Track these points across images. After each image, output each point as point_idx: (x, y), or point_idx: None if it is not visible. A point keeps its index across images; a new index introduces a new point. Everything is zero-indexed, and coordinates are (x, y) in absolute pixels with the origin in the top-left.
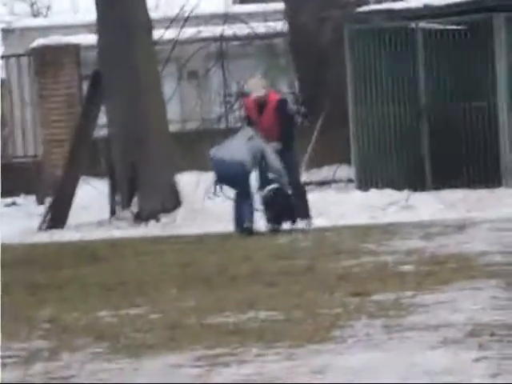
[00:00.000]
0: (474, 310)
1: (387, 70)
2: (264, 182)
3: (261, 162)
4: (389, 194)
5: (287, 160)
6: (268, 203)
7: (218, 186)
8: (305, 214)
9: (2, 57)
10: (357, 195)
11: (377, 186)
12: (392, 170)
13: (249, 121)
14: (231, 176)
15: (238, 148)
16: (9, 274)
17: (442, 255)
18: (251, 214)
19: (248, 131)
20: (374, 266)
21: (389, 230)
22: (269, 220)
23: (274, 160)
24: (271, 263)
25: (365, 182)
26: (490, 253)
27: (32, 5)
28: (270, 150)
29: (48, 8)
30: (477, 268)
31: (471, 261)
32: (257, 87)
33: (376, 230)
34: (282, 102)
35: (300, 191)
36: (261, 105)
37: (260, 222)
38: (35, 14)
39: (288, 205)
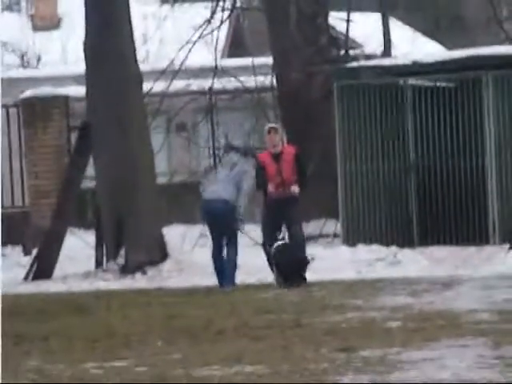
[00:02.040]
0: (461, 367)
1: (376, 126)
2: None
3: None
4: (376, 250)
5: (295, 211)
6: (275, 261)
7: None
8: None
9: None
10: (343, 250)
11: (364, 242)
12: (379, 226)
13: (263, 173)
14: (217, 215)
15: (222, 184)
16: None
17: (429, 312)
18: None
19: (231, 158)
20: (360, 322)
21: (376, 286)
22: (278, 277)
23: (249, 184)
24: (258, 317)
25: (352, 237)
26: (478, 311)
27: (22, 56)
28: (248, 172)
29: (38, 59)
30: (464, 326)
31: (459, 318)
32: (272, 125)
33: (363, 286)
34: (299, 153)
35: (301, 243)
36: (277, 156)
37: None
38: (25, 65)
39: (296, 261)
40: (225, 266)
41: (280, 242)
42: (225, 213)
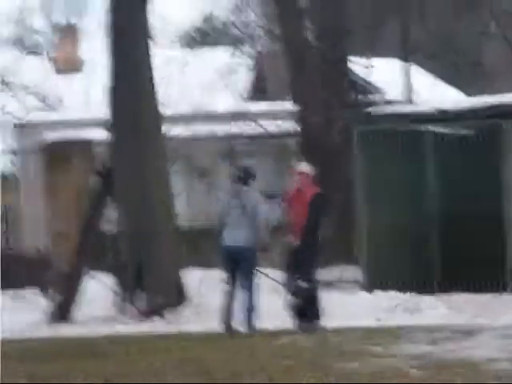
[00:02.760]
0: None
1: (397, 172)
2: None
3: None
4: (395, 297)
5: (307, 255)
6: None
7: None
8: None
9: (14, 151)
10: (363, 297)
11: (383, 288)
12: (399, 273)
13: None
14: (233, 260)
15: (236, 227)
16: (11, 367)
17: (448, 360)
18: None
19: (237, 187)
20: (378, 369)
21: (395, 333)
22: (296, 317)
23: (263, 217)
24: (275, 362)
25: (371, 283)
26: (498, 360)
27: (44, 99)
28: (260, 205)
29: (60, 103)
30: (484, 374)
31: (478, 366)
32: (302, 169)
33: (382, 333)
34: (319, 197)
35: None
36: (300, 194)
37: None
38: (47, 109)
39: (311, 303)
40: (232, 310)
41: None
42: (240, 257)
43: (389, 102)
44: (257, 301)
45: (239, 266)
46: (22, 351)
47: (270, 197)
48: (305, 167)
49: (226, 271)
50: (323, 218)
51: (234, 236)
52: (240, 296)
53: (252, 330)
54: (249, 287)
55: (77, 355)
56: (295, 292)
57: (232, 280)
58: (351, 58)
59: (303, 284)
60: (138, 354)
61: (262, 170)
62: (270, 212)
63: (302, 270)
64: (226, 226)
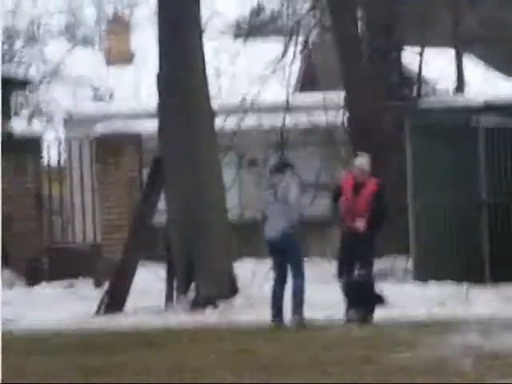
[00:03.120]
0: None
1: (448, 164)
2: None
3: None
4: (447, 287)
5: (366, 248)
6: (352, 291)
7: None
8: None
9: (64, 142)
10: (414, 287)
11: (435, 278)
12: (451, 263)
13: (336, 196)
14: (276, 251)
15: (274, 219)
16: (64, 358)
17: (500, 351)
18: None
19: (272, 178)
20: (430, 360)
21: (446, 324)
22: (350, 309)
23: (292, 196)
24: (327, 353)
25: (423, 273)
26: None
27: (95, 91)
28: (291, 187)
29: (111, 94)
30: None
31: None
32: (363, 165)
33: (433, 324)
34: (381, 188)
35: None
36: (359, 186)
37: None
38: (98, 100)
39: (368, 293)
40: (282, 301)
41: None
42: (282, 247)
43: (440, 93)
44: (304, 290)
45: (285, 257)
46: (77, 343)
47: (318, 187)
48: (363, 160)
49: (273, 263)
50: (387, 209)
51: (272, 227)
52: (290, 286)
53: (302, 320)
54: (297, 276)
55: (130, 346)
56: (352, 281)
57: (280, 271)
58: (403, 48)
59: (363, 272)
60: (190, 345)
61: (312, 161)
62: (302, 198)
63: (364, 260)
64: (266, 218)
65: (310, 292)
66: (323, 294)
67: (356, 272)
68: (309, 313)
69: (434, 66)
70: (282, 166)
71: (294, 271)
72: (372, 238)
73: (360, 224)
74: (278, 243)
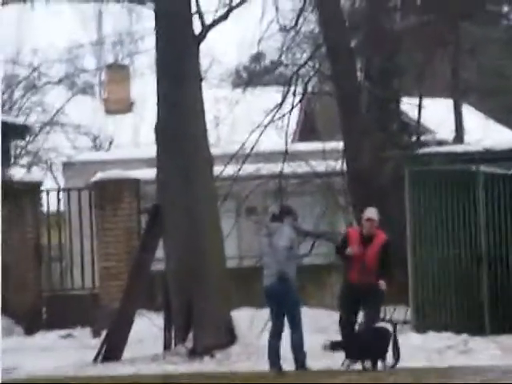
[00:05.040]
0: None
1: (447, 213)
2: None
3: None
4: (447, 337)
5: (377, 298)
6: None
7: None
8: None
9: (63, 190)
10: (413, 337)
11: (435, 329)
12: (450, 313)
13: (340, 248)
14: (273, 299)
15: (269, 267)
16: None
17: None
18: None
19: (270, 226)
20: None
21: (446, 374)
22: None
23: (278, 245)
24: None
25: (422, 324)
26: None
27: (94, 138)
28: (280, 235)
29: (110, 142)
30: None
31: None
32: (374, 218)
33: (433, 373)
34: (388, 243)
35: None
36: (367, 239)
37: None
38: (97, 148)
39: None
40: (278, 351)
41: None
42: (278, 296)
43: (440, 142)
44: (303, 343)
45: (281, 307)
46: None
47: (318, 236)
48: (373, 212)
49: (270, 312)
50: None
51: (268, 275)
52: (288, 335)
53: (303, 369)
54: (295, 330)
55: None
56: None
57: (276, 321)
58: (402, 97)
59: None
60: None
61: (310, 210)
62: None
63: (376, 311)
64: (264, 265)
65: (310, 341)
66: (315, 342)
67: (368, 322)
68: (308, 361)
69: (434, 116)
70: (281, 214)
71: (291, 325)
72: (382, 290)
73: (382, 284)
74: (273, 292)
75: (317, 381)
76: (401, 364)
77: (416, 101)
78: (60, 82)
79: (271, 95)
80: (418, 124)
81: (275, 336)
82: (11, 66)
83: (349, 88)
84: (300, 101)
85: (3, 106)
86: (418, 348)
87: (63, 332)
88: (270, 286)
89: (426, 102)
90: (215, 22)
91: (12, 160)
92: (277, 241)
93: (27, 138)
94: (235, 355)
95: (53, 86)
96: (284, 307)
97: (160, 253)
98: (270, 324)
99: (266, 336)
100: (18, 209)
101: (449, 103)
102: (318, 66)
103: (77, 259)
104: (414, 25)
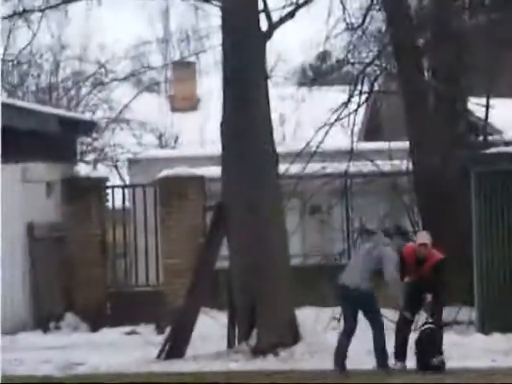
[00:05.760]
0: None
1: None
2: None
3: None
4: (511, 338)
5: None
6: (421, 343)
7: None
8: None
9: (128, 186)
10: (478, 338)
11: (500, 330)
12: None
13: (402, 267)
14: (348, 301)
15: (355, 269)
16: None
17: None
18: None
19: (367, 244)
20: None
21: (511, 375)
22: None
23: (391, 271)
24: None
25: (487, 325)
26: None
27: (160, 136)
28: (390, 258)
29: (175, 139)
30: None
31: None
32: (427, 243)
33: (497, 375)
34: (440, 263)
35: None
36: (420, 259)
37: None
38: (163, 145)
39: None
40: (347, 351)
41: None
42: (356, 299)
43: (507, 143)
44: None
45: (361, 308)
46: None
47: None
48: (426, 237)
49: (344, 313)
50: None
51: (352, 277)
52: (370, 336)
53: (384, 369)
54: (376, 327)
55: None
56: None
57: (349, 322)
58: (469, 97)
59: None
60: None
61: (375, 209)
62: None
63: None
64: (348, 265)
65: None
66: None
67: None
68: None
69: (502, 116)
70: (395, 231)
71: (372, 323)
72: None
73: (428, 297)
74: (349, 294)
75: (380, 381)
76: (465, 364)
77: (484, 100)
78: (126, 78)
79: (337, 94)
80: (486, 124)
81: (346, 335)
82: (78, 62)
83: (415, 87)
84: (366, 100)
85: (70, 102)
86: (483, 349)
87: (127, 328)
88: (351, 286)
89: (494, 101)
90: (282, 20)
91: (78, 157)
92: (378, 256)
93: (93, 135)
94: (299, 354)
95: (119, 83)
96: (362, 307)
97: (224, 251)
98: (333, 323)
99: (329, 335)
100: (84, 205)
101: None
102: (385, 65)
103: (141, 256)
104: (482, 23)
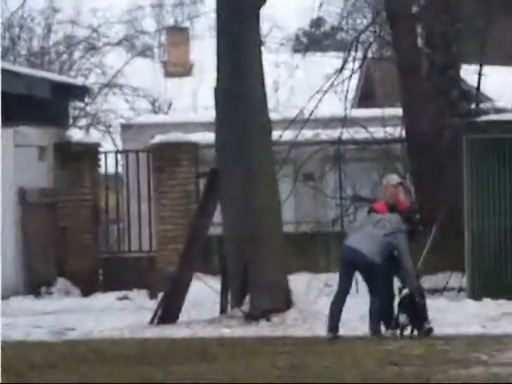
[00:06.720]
0: None
1: (505, 182)
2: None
3: (392, 258)
4: (502, 305)
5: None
6: (402, 309)
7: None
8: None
9: (121, 151)
10: (469, 304)
11: (490, 296)
12: (506, 281)
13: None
14: (351, 264)
15: (368, 239)
16: (120, 368)
17: None
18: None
19: (375, 217)
20: (484, 377)
21: (501, 341)
22: (397, 326)
23: (406, 260)
24: (381, 369)
25: (478, 291)
26: None
27: (153, 102)
28: (405, 249)
29: (169, 105)
30: None
31: None
32: (399, 180)
33: (488, 341)
34: (409, 212)
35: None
36: (392, 207)
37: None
38: (156, 111)
39: (417, 311)
40: (340, 316)
41: (405, 292)
42: (360, 264)
43: (499, 111)
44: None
45: (366, 276)
46: (129, 352)
47: (363, 200)
48: (398, 179)
49: (341, 276)
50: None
51: (360, 243)
52: (368, 299)
53: (376, 335)
54: (375, 294)
55: (185, 358)
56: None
57: (343, 286)
58: (462, 64)
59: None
60: (243, 358)
61: (367, 177)
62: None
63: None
64: (353, 229)
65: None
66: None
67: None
68: (365, 327)
69: (493, 84)
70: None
71: (372, 291)
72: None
73: None
74: (354, 258)
75: (370, 347)
76: (456, 330)
77: (476, 68)
78: (119, 43)
79: (331, 60)
80: (478, 91)
81: (339, 300)
82: (71, 26)
83: (409, 54)
84: (360, 66)
85: (62, 66)
86: (473, 315)
87: (120, 294)
88: (357, 251)
89: (487, 69)
90: None
91: (70, 121)
92: (401, 254)
93: (86, 100)
94: (291, 319)
95: (112, 48)
96: (368, 276)
97: (217, 217)
98: (325, 289)
99: (322, 301)
100: (77, 171)
101: (510, 71)
102: (379, 32)
103: (134, 222)
104: None
